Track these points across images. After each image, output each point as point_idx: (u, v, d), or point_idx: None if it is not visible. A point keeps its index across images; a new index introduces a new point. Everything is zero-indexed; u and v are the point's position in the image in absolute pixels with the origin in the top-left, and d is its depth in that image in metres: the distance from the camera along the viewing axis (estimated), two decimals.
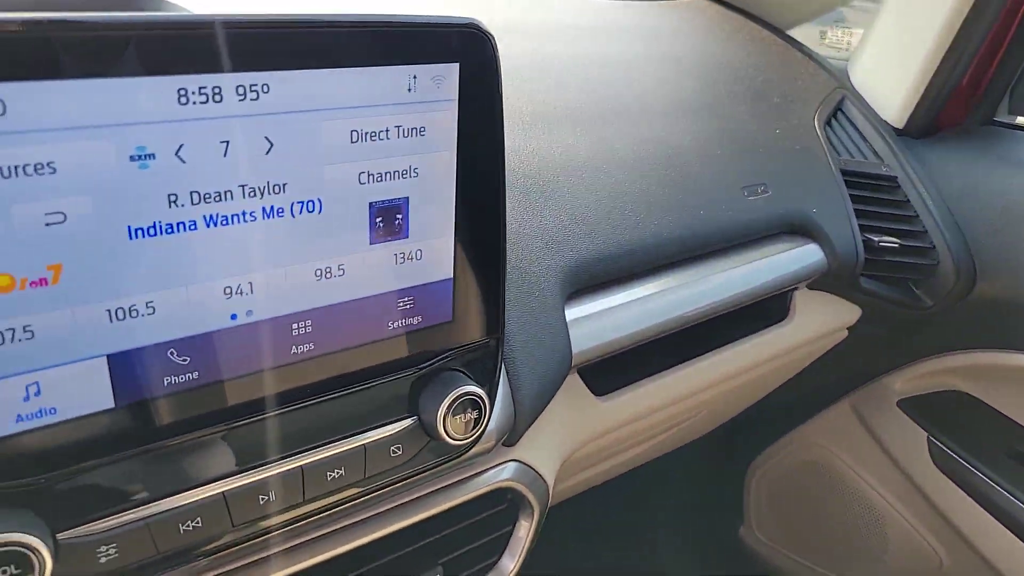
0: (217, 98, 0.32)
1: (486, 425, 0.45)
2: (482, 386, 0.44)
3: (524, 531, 0.56)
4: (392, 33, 0.36)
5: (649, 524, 1.29)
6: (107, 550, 0.36)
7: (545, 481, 0.57)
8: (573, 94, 0.70)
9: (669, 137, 0.72)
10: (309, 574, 0.45)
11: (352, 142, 0.37)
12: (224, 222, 0.34)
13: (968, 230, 0.85)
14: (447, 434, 0.44)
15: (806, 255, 0.76)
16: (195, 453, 0.38)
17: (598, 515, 1.22)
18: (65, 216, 0.31)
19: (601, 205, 0.62)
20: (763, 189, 0.74)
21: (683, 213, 0.67)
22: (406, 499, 0.49)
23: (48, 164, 0.29)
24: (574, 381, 0.63)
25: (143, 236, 0.33)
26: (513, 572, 0.56)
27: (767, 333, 0.78)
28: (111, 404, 0.34)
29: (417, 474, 0.46)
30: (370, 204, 0.38)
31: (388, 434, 0.43)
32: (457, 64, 0.38)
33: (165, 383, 0.36)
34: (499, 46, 0.40)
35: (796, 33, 0.99)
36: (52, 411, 0.33)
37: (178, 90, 0.31)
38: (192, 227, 0.34)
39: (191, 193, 0.33)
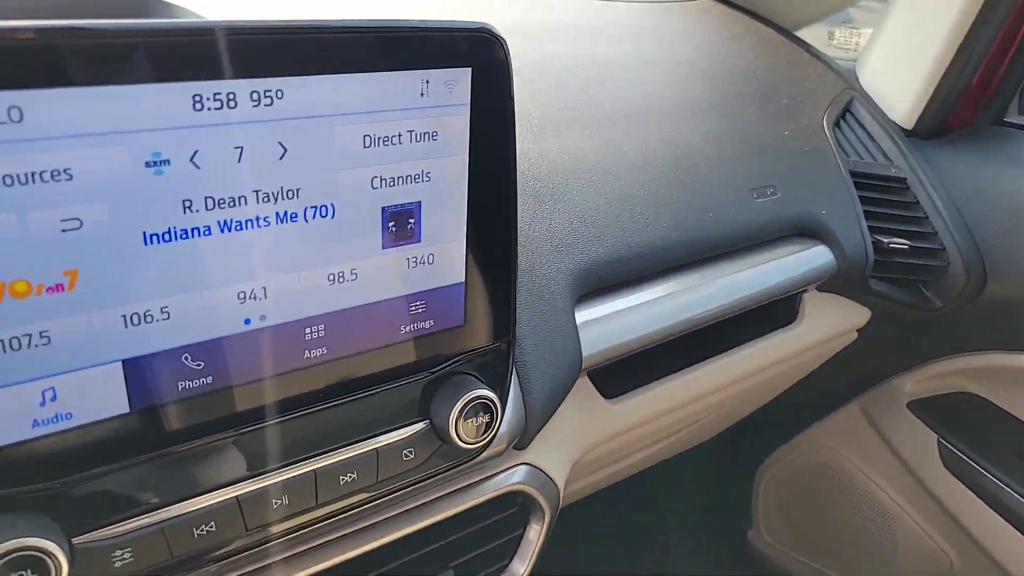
0: (231, 104, 0.32)
1: (498, 429, 0.45)
2: (494, 390, 0.44)
3: (535, 534, 0.56)
4: (405, 38, 0.36)
5: (658, 526, 1.29)
6: (122, 554, 0.36)
7: (556, 484, 0.57)
8: (580, 96, 0.71)
9: (677, 139, 0.72)
10: None
11: (365, 147, 0.37)
12: (238, 227, 0.34)
13: (978, 231, 0.84)
14: (459, 438, 0.44)
15: (815, 257, 0.76)
16: (209, 458, 0.38)
17: (607, 517, 1.22)
18: (81, 222, 0.31)
19: (610, 208, 0.62)
20: (772, 191, 0.74)
21: (692, 215, 0.66)
22: (418, 503, 0.49)
23: (65, 171, 0.30)
24: (584, 384, 0.63)
25: (158, 242, 0.33)
26: (524, 575, 0.56)
27: (776, 335, 0.78)
28: (126, 409, 0.35)
29: (429, 478, 0.46)
30: (383, 209, 0.38)
31: (400, 438, 0.43)
32: (470, 69, 0.38)
33: (179, 388, 0.36)
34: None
35: (803, 34, 0.99)
36: (68, 416, 0.33)
37: (193, 96, 0.31)
38: (206, 232, 0.34)
39: (205, 199, 0.33)
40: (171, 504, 0.37)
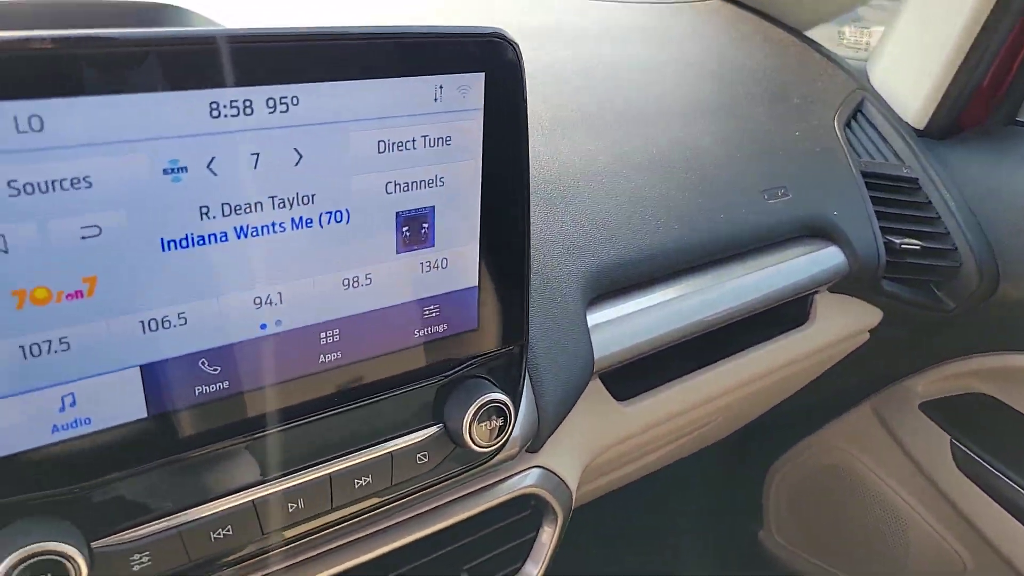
0: (248, 111, 0.32)
1: (511, 432, 0.45)
2: (507, 393, 0.45)
3: (547, 537, 0.56)
4: (419, 44, 0.36)
5: (668, 528, 1.29)
6: (140, 558, 0.36)
7: (568, 487, 0.57)
8: (590, 98, 0.71)
9: (688, 140, 0.72)
10: None
11: (379, 152, 0.37)
12: (254, 233, 0.35)
13: (990, 231, 0.84)
14: (472, 441, 0.44)
15: (827, 258, 0.75)
16: (225, 462, 0.38)
17: (617, 519, 1.22)
18: (100, 229, 0.31)
19: (621, 210, 0.62)
20: (783, 192, 0.74)
21: (703, 217, 0.66)
22: (431, 506, 0.49)
23: (84, 179, 0.30)
24: (596, 386, 0.63)
25: (175, 248, 0.33)
26: None
27: (788, 337, 0.77)
28: (144, 414, 0.35)
29: (442, 481, 0.46)
30: (397, 213, 0.39)
31: (414, 441, 0.44)
32: (483, 73, 0.38)
33: (196, 393, 0.36)
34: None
35: (813, 33, 0.99)
36: (87, 421, 0.33)
37: (210, 104, 0.32)
38: (223, 238, 0.34)
39: (222, 205, 0.33)
40: (188, 508, 0.37)
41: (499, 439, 0.45)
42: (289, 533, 0.41)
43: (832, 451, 1.11)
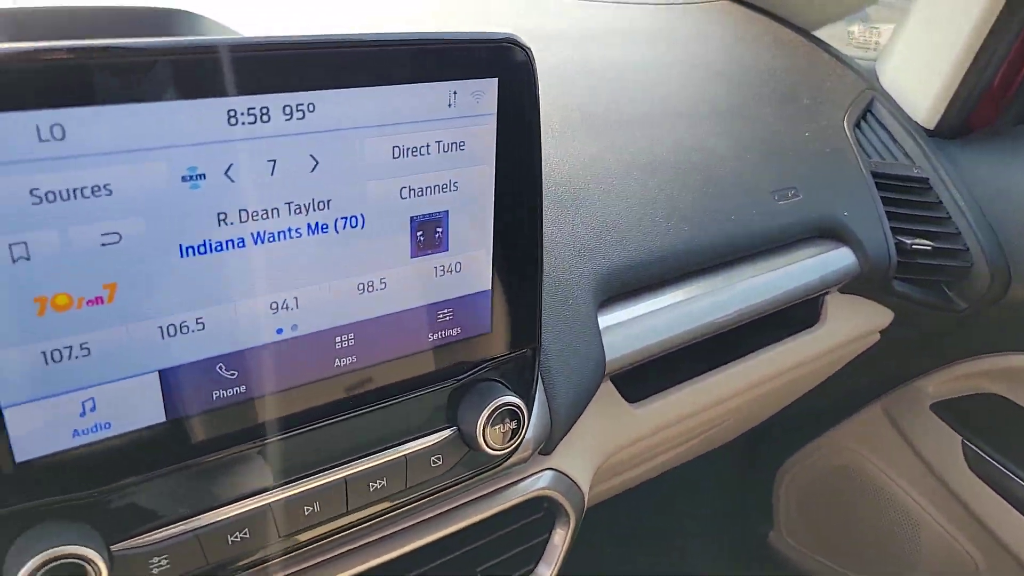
0: (265, 118, 0.33)
1: (524, 435, 0.46)
2: (520, 396, 0.45)
3: (560, 538, 0.56)
4: (433, 50, 0.36)
5: (678, 529, 1.29)
6: (159, 561, 0.36)
7: (580, 489, 0.57)
8: (600, 100, 0.71)
9: (697, 142, 0.72)
10: None
11: (394, 158, 0.37)
12: (271, 239, 0.35)
13: (1001, 231, 0.84)
14: (486, 444, 0.44)
15: (838, 259, 0.75)
16: (242, 465, 0.38)
17: (627, 520, 1.22)
18: (120, 236, 0.31)
19: (631, 212, 0.62)
20: (793, 193, 0.74)
21: (713, 219, 0.66)
22: (445, 508, 0.49)
23: (104, 186, 0.30)
24: (607, 388, 0.63)
25: (194, 254, 0.33)
26: None
27: (799, 338, 0.77)
28: (162, 418, 0.35)
29: (456, 484, 0.46)
30: (411, 218, 0.39)
31: (428, 444, 0.44)
32: (496, 79, 0.38)
33: (214, 397, 0.36)
34: None
35: (821, 32, 0.99)
36: (107, 426, 0.34)
37: (227, 111, 0.32)
38: (240, 244, 0.34)
39: (239, 211, 0.34)
40: (205, 511, 0.38)
41: (512, 442, 0.45)
42: (305, 536, 0.41)
43: (842, 452, 1.11)
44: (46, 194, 0.29)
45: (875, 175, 0.81)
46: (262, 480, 0.39)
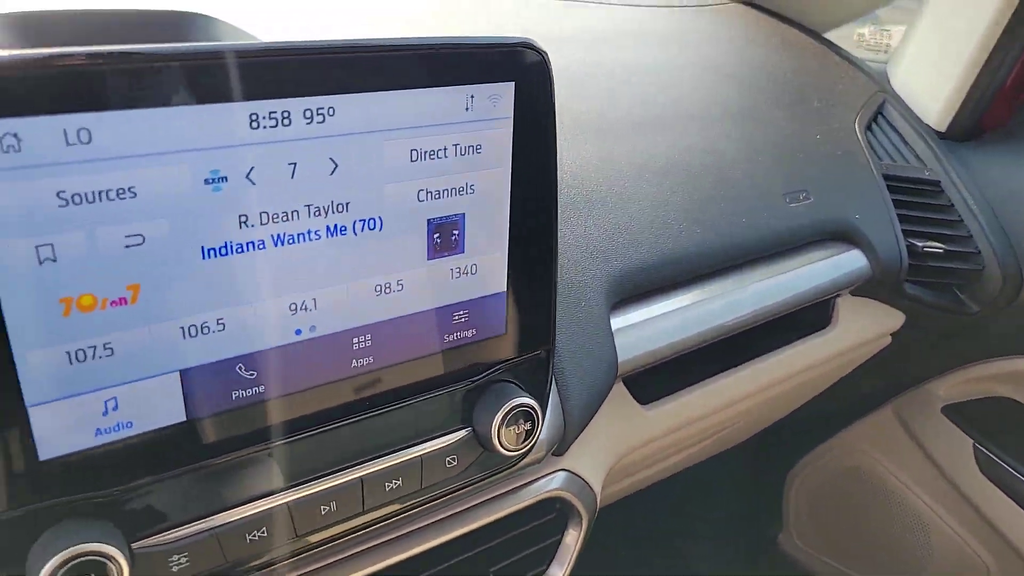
0: (286, 122, 0.33)
1: (538, 436, 0.46)
2: (534, 397, 0.45)
3: (572, 539, 0.56)
4: (452, 55, 0.37)
5: (688, 531, 1.29)
6: (179, 559, 0.37)
7: (593, 490, 0.57)
8: (611, 102, 0.71)
9: (709, 144, 0.72)
10: None
11: (412, 161, 0.37)
12: (291, 241, 0.35)
13: (1014, 234, 0.83)
14: (501, 445, 0.44)
15: (849, 261, 0.75)
16: (260, 465, 0.39)
17: (637, 522, 1.22)
18: (144, 238, 0.32)
19: (643, 214, 0.63)
20: (805, 196, 0.74)
21: (725, 221, 0.67)
22: (458, 509, 0.50)
23: (129, 189, 0.31)
24: (619, 390, 0.63)
25: (215, 256, 0.34)
26: None
27: (810, 340, 0.77)
28: (183, 417, 0.36)
29: (471, 484, 0.47)
30: (428, 221, 0.39)
31: (443, 445, 0.44)
32: (513, 83, 0.39)
33: (233, 397, 0.37)
34: None
35: (832, 35, 0.99)
36: (129, 425, 0.34)
37: (250, 115, 0.32)
38: (260, 246, 0.35)
39: (260, 214, 0.34)
40: (224, 510, 0.38)
41: (527, 443, 0.45)
42: (321, 535, 0.42)
43: (853, 454, 1.11)
44: (73, 196, 0.30)
45: (886, 177, 0.81)
46: (280, 480, 0.39)
